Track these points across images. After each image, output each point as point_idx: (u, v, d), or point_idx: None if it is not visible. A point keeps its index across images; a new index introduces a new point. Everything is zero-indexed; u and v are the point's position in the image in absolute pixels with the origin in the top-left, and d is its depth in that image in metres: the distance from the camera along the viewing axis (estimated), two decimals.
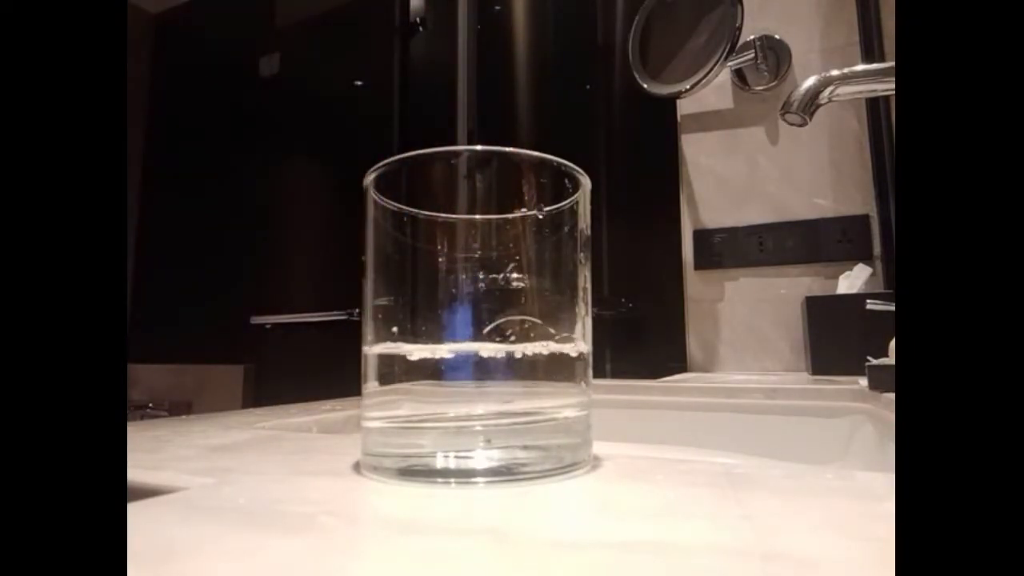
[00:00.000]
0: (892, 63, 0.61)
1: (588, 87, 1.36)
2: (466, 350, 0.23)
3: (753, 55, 1.09)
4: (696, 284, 1.13)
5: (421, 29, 1.59)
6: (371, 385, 0.25)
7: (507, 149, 0.24)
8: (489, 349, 0.23)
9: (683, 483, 0.22)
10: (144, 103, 2.10)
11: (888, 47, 0.99)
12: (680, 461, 0.26)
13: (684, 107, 1.17)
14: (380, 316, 0.25)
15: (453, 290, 0.24)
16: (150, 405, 1.64)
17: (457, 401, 0.24)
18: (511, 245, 0.24)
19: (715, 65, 0.95)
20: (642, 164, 1.26)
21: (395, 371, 0.24)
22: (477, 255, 0.24)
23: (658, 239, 1.18)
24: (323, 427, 0.45)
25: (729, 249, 1.10)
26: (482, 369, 0.23)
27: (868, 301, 0.74)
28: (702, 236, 1.13)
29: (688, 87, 0.99)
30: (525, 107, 1.45)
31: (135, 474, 0.24)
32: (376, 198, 0.26)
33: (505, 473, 0.23)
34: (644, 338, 1.20)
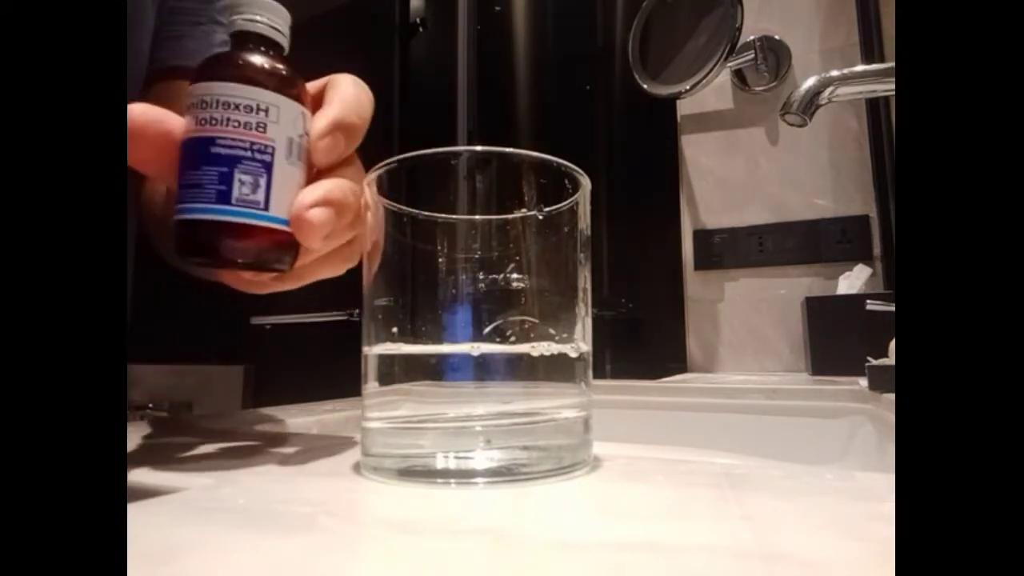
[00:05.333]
0: (892, 63, 0.61)
1: (588, 88, 1.36)
2: (466, 350, 0.23)
3: (753, 56, 1.09)
4: (696, 284, 1.13)
5: (421, 29, 1.58)
6: (371, 385, 0.25)
7: (507, 149, 0.24)
8: (489, 349, 0.23)
9: (683, 484, 0.22)
10: None
11: (888, 47, 0.99)
12: (680, 462, 0.26)
13: (684, 108, 1.17)
14: (380, 316, 0.25)
15: (453, 290, 0.24)
16: (150, 405, 1.64)
17: (457, 401, 0.24)
18: (511, 245, 0.24)
19: (715, 66, 0.95)
20: (642, 164, 1.26)
21: (395, 371, 0.24)
22: (477, 255, 0.24)
23: (658, 239, 1.18)
24: (323, 427, 0.45)
25: (729, 249, 1.10)
26: (482, 369, 0.23)
27: (868, 301, 0.74)
28: (702, 236, 1.13)
29: (688, 88, 0.99)
30: (525, 107, 1.45)
31: (135, 474, 0.24)
32: (376, 198, 0.26)
33: (505, 474, 0.23)
34: (644, 338, 1.19)
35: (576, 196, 0.26)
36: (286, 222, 0.24)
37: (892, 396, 0.50)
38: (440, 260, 0.24)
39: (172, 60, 0.49)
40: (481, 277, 0.23)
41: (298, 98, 0.25)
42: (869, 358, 0.56)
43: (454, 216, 0.25)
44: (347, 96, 0.25)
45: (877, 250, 0.99)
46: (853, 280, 0.92)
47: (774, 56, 1.10)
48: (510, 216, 0.25)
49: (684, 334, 1.13)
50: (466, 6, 1.50)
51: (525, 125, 1.45)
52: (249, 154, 0.23)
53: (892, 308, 0.72)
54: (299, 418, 0.44)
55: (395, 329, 0.24)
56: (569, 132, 1.37)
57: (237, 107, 0.23)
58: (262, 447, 0.31)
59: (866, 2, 1.02)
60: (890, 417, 0.48)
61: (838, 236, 1.02)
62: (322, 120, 0.24)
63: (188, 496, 0.21)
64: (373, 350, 0.25)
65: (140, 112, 0.23)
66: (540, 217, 0.25)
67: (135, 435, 0.34)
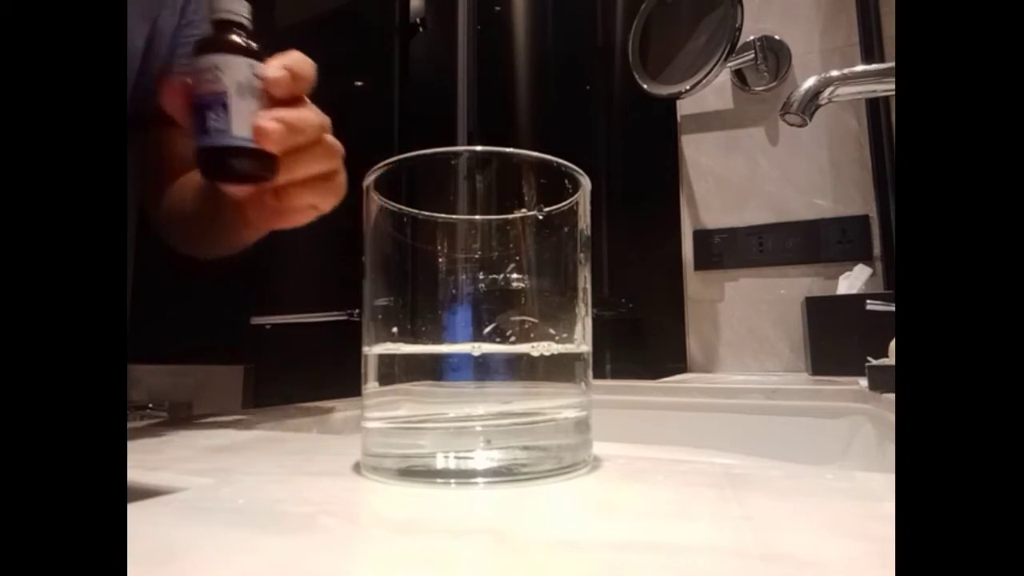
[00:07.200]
0: (892, 63, 0.61)
1: (588, 87, 1.36)
2: (466, 350, 0.23)
3: (753, 56, 1.09)
4: (696, 284, 1.13)
5: (421, 29, 1.58)
6: (371, 385, 0.25)
7: (507, 149, 0.24)
8: (489, 349, 0.23)
9: (683, 483, 0.22)
10: None
11: (888, 48, 0.99)
12: (680, 461, 0.26)
13: (684, 108, 1.17)
14: (380, 316, 0.25)
15: (453, 290, 0.24)
16: (150, 405, 1.64)
17: (457, 401, 0.24)
18: (511, 245, 0.24)
19: (715, 66, 0.95)
20: (642, 164, 1.26)
21: (395, 371, 0.24)
22: (477, 255, 0.24)
23: (658, 239, 1.18)
24: (323, 427, 0.45)
25: (729, 249, 1.10)
26: (482, 369, 0.23)
27: (868, 301, 0.74)
28: (702, 236, 1.13)
29: (688, 87, 0.99)
30: (525, 107, 1.45)
31: (135, 474, 0.24)
32: (376, 198, 0.26)
33: (505, 474, 0.23)
34: (644, 338, 1.19)
35: (576, 196, 0.26)
36: (250, 139, 0.33)
37: (892, 396, 0.50)
38: (440, 260, 0.24)
39: None
40: (481, 277, 0.23)
41: (244, 54, 0.34)
42: (869, 358, 0.56)
43: (454, 216, 0.25)
44: (292, 53, 0.35)
45: (877, 250, 0.99)
46: (853, 280, 0.92)
47: (774, 56, 1.10)
48: (510, 216, 0.25)
49: (684, 334, 1.13)
50: (466, 6, 1.50)
51: (525, 125, 1.45)
52: (214, 98, 0.33)
53: (892, 308, 0.72)
54: (299, 418, 0.44)
55: (395, 329, 0.24)
56: (569, 132, 1.37)
57: (206, 70, 0.33)
58: (262, 447, 0.31)
59: (866, 2, 1.02)
60: (890, 417, 0.48)
61: (838, 236, 1.02)
62: (273, 63, 0.34)
63: (188, 496, 0.21)
64: (373, 350, 0.25)
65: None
66: (540, 217, 0.25)
67: (135, 435, 0.34)
